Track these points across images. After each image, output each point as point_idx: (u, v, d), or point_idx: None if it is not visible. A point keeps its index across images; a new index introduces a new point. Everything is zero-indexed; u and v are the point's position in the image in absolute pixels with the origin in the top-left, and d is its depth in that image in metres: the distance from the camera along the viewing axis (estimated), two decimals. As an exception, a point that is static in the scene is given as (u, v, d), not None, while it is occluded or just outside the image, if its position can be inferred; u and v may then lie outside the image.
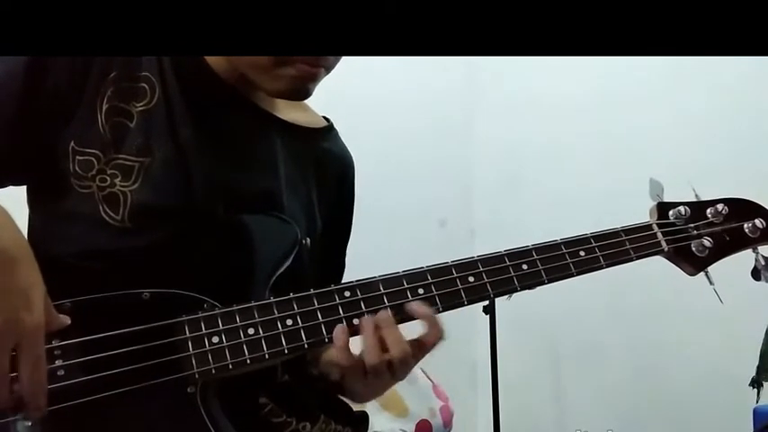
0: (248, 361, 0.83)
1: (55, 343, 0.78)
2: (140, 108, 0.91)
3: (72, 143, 0.88)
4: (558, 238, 0.97)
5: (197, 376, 0.82)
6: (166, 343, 0.82)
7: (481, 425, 2.82)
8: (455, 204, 3.08)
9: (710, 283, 1.03)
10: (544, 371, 2.88)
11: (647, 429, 2.52)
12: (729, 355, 2.22)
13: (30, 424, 0.74)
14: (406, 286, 0.90)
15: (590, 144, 2.71)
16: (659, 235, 1.01)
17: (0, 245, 0.72)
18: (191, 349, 0.82)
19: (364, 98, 2.59)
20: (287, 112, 1.03)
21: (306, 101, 1.03)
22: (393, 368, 0.87)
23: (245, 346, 0.84)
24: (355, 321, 0.87)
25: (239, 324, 0.84)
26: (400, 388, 2.06)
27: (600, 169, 2.67)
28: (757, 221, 1.04)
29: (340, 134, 1.12)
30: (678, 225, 1.03)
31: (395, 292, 0.89)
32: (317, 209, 1.04)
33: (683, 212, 1.03)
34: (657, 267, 1.05)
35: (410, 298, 0.89)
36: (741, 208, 1.05)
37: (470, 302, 0.92)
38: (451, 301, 0.91)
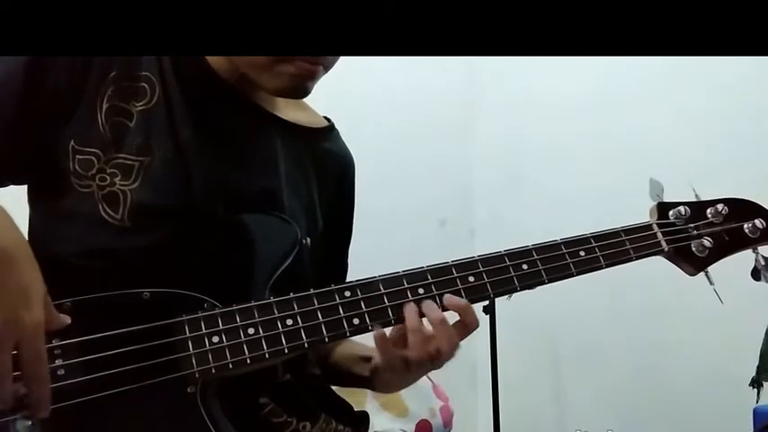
0: (248, 360, 0.83)
1: (55, 342, 0.78)
2: (140, 107, 0.91)
3: (72, 142, 0.88)
4: (558, 238, 0.97)
5: (197, 376, 0.82)
6: (166, 342, 0.82)
7: (481, 425, 2.82)
8: (455, 204, 3.08)
9: (710, 283, 1.03)
10: (544, 371, 2.88)
11: (647, 429, 2.51)
12: (729, 355, 2.21)
13: (30, 423, 0.74)
14: (407, 286, 0.90)
15: (590, 144, 2.71)
16: (659, 235, 1.01)
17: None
18: (191, 349, 0.82)
19: (364, 98, 2.59)
20: (288, 111, 1.03)
21: (306, 101, 1.04)
22: (440, 359, 0.89)
23: (245, 346, 0.84)
24: (356, 321, 0.88)
25: (239, 324, 0.84)
26: (400, 388, 2.06)
27: (600, 169, 2.67)
28: (757, 222, 1.04)
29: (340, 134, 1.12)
30: (678, 225, 1.03)
31: (395, 292, 0.89)
32: (317, 209, 1.04)
33: (684, 212, 1.03)
34: (658, 267, 1.05)
35: (410, 298, 0.89)
36: (741, 208, 1.05)
37: (470, 302, 0.91)
38: (452, 301, 0.91)
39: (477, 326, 0.91)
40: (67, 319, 0.79)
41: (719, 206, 1.04)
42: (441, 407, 2.27)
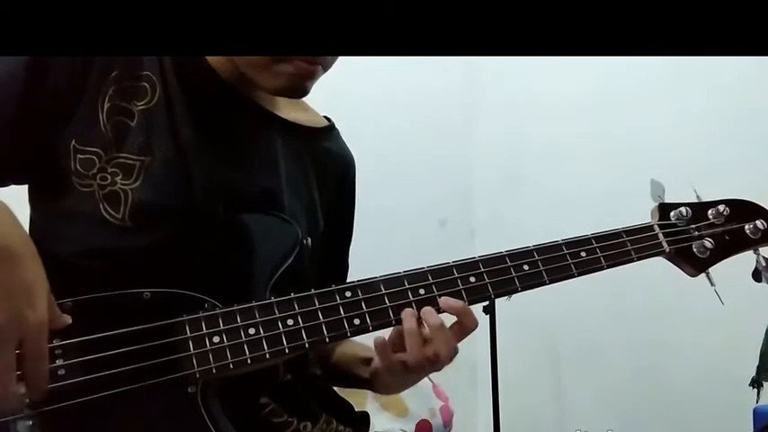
0: (249, 360, 0.83)
1: (56, 342, 0.78)
2: (141, 107, 0.91)
3: (73, 142, 0.88)
4: (558, 239, 0.97)
5: (198, 376, 0.81)
6: (167, 342, 0.82)
7: (481, 425, 2.82)
8: (455, 204, 3.08)
9: (711, 284, 1.03)
10: (544, 371, 2.88)
11: (647, 429, 2.51)
12: (729, 355, 2.21)
13: (30, 423, 0.74)
14: (408, 286, 0.90)
15: (590, 144, 2.71)
16: (660, 236, 1.01)
17: (3, 241, 0.71)
18: (191, 349, 0.82)
19: (364, 98, 2.59)
20: (288, 111, 1.03)
21: (306, 100, 1.04)
22: (439, 362, 0.89)
23: (245, 346, 0.83)
24: (356, 321, 0.88)
25: (240, 324, 0.84)
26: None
27: (600, 169, 2.67)
28: (758, 222, 1.04)
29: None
30: (679, 226, 1.03)
31: (396, 293, 0.89)
32: (318, 208, 1.04)
33: (685, 213, 1.03)
34: (658, 268, 1.05)
35: (411, 298, 0.89)
36: (742, 209, 1.05)
37: (471, 303, 0.91)
38: (452, 302, 0.91)
39: (475, 327, 0.91)
40: (69, 319, 0.79)
41: (721, 207, 1.04)
42: (441, 407, 2.27)
